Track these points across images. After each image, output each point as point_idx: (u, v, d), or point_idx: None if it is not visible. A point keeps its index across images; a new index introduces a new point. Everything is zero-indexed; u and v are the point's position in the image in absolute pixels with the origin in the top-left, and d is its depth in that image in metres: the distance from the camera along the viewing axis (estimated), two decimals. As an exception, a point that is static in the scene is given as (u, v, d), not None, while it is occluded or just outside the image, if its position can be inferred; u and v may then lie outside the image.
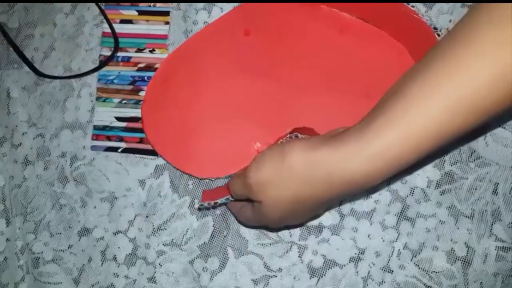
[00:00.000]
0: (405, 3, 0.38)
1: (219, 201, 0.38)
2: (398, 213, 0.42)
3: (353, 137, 0.29)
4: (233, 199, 0.38)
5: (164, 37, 0.46)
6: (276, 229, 0.42)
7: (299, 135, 0.38)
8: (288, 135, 0.40)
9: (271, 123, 0.41)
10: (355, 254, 0.42)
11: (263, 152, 0.33)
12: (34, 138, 0.47)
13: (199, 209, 0.41)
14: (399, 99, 0.28)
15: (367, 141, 0.28)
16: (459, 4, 0.43)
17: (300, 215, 0.34)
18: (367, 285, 0.41)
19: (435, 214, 0.41)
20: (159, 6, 0.46)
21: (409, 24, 0.39)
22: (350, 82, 0.41)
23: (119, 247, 0.45)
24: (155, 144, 0.43)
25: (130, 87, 0.46)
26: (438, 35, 0.37)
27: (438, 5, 0.43)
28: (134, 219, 0.45)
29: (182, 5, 0.46)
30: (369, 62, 0.41)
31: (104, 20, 0.47)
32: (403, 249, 0.41)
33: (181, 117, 0.43)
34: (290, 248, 0.42)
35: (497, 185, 0.41)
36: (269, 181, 0.32)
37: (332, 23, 0.42)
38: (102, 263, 0.45)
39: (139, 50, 0.46)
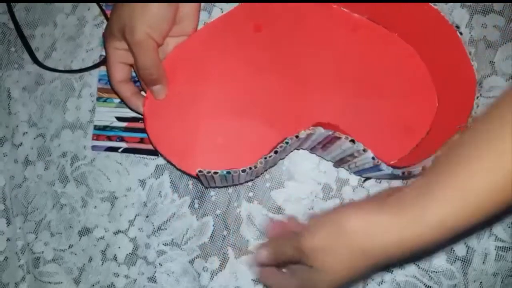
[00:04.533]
0: (430, 3, 0.38)
1: (219, 172, 0.37)
2: (398, 213, 0.42)
3: (411, 203, 0.28)
4: (235, 173, 0.37)
5: (165, 37, 0.46)
6: None
7: (322, 130, 0.38)
8: (311, 128, 0.38)
9: (277, 121, 0.40)
10: (355, 254, 0.42)
11: (316, 218, 0.32)
12: (34, 138, 0.47)
13: (197, 175, 0.39)
14: (460, 166, 0.27)
15: (426, 209, 0.27)
16: (458, 4, 0.43)
17: (351, 282, 0.33)
18: (367, 284, 0.41)
19: (435, 214, 0.41)
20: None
21: (424, 25, 0.39)
22: (359, 83, 0.41)
23: (119, 247, 0.45)
24: (157, 142, 0.42)
25: (131, 87, 0.46)
26: (461, 33, 0.37)
27: (438, 5, 0.43)
28: (135, 219, 0.45)
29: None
30: (378, 63, 0.41)
31: (105, 20, 0.47)
32: (403, 249, 0.41)
33: (185, 114, 0.42)
34: (290, 248, 0.42)
35: (496, 185, 0.41)
36: (324, 248, 0.31)
37: (343, 23, 0.41)
38: (103, 262, 0.45)
39: (140, 50, 0.46)
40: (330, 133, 0.37)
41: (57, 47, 0.48)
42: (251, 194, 0.43)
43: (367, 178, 0.42)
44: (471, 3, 0.43)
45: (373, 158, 0.36)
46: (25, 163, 0.47)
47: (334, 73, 0.41)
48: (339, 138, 0.36)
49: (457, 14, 0.43)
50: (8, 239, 0.46)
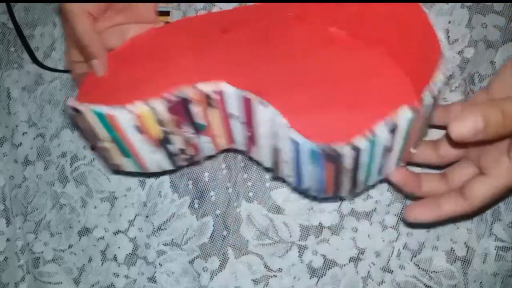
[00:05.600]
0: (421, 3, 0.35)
1: (93, 108, 0.32)
2: (398, 213, 0.42)
3: None
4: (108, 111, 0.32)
5: (164, 37, 0.46)
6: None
7: (230, 88, 0.33)
8: (217, 82, 0.34)
9: None
10: (355, 254, 0.42)
11: None
12: (34, 138, 0.47)
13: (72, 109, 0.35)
14: None
15: None
16: (458, 4, 0.43)
17: None
18: (367, 285, 0.41)
19: (435, 214, 0.41)
20: (160, 6, 0.46)
21: (403, 34, 0.35)
22: (331, 92, 0.36)
23: (119, 247, 0.45)
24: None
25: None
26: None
27: (438, 5, 0.43)
28: (134, 219, 0.45)
29: (182, 5, 0.46)
30: (353, 75, 0.37)
31: (105, 20, 0.47)
32: (403, 249, 0.41)
33: (119, 101, 0.35)
34: (290, 248, 0.42)
35: (496, 185, 0.41)
36: None
37: (318, 34, 0.39)
38: (102, 263, 0.45)
39: (139, 50, 0.46)
40: (243, 93, 0.32)
41: (56, 47, 0.48)
42: (250, 194, 0.43)
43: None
44: (471, 3, 0.43)
45: (286, 126, 0.31)
46: (25, 163, 0.47)
47: (301, 80, 0.37)
48: (251, 101, 0.32)
49: (457, 14, 0.43)
50: (7, 239, 0.46)
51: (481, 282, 0.40)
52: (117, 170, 0.40)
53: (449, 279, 0.41)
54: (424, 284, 0.41)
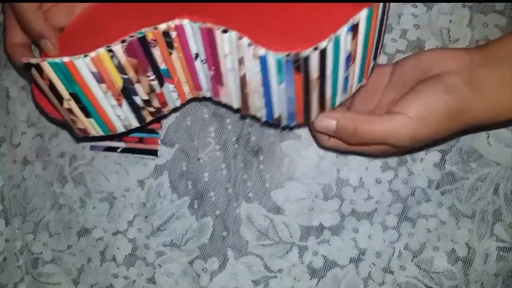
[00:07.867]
0: None
1: (49, 60, 0.31)
2: (398, 214, 0.41)
3: None
4: (67, 60, 0.31)
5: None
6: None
7: (187, 21, 0.32)
8: (176, 19, 0.32)
9: None
10: (356, 254, 0.42)
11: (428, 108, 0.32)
12: (33, 138, 0.47)
13: (25, 65, 0.33)
14: None
15: None
16: (459, 4, 0.43)
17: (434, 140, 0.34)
18: (368, 285, 0.41)
19: (436, 214, 0.41)
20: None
21: None
22: (291, 22, 0.33)
23: (118, 248, 0.44)
24: (42, 102, 0.38)
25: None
26: None
27: (438, 5, 0.43)
28: (134, 219, 0.45)
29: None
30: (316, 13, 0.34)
31: (104, 20, 0.47)
32: (404, 249, 0.41)
33: None
34: (291, 249, 0.42)
35: (498, 185, 0.41)
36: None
37: None
38: (102, 263, 0.45)
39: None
40: (203, 25, 0.31)
41: None
42: (250, 194, 0.43)
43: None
44: (472, 3, 0.43)
45: (249, 45, 0.30)
46: (24, 163, 0.47)
47: (260, 18, 0.34)
48: (213, 32, 0.31)
49: (458, 14, 0.43)
50: (6, 240, 0.46)
51: (482, 283, 0.40)
52: (85, 137, 0.38)
53: (450, 280, 0.40)
54: (425, 285, 0.41)
